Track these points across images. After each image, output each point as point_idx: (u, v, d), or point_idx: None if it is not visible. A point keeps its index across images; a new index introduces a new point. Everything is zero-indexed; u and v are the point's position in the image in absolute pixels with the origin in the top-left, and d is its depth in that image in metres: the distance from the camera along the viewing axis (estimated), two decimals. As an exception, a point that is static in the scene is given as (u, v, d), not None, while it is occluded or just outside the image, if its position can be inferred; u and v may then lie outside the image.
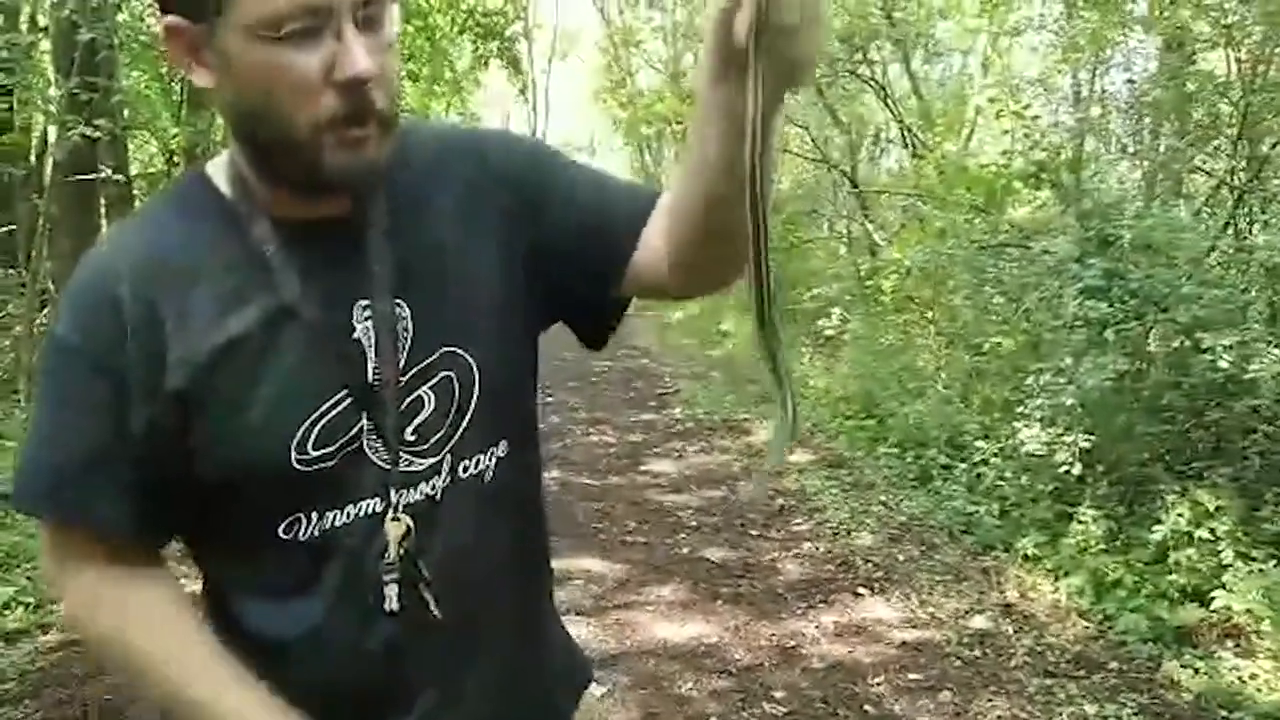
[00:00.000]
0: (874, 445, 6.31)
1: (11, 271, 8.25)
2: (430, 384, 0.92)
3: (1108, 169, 7.24)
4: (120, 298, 0.85)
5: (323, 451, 0.87)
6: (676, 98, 15.38)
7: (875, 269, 8.87)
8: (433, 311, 0.92)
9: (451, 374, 0.92)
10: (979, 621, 3.69)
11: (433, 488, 0.92)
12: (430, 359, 0.91)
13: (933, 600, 3.91)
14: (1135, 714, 2.96)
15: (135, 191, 11.37)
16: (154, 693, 0.90)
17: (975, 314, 6.41)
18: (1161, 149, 7.23)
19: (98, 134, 5.71)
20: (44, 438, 0.90)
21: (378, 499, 0.90)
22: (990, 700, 3.09)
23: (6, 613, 3.75)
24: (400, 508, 0.90)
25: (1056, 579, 3.93)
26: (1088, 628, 3.58)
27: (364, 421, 0.88)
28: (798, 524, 4.92)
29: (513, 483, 0.99)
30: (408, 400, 0.90)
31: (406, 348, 0.91)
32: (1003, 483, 4.60)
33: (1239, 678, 3.13)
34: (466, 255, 0.95)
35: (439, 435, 0.92)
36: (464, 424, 0.93)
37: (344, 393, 0.88)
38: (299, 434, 0.86)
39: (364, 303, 0.89)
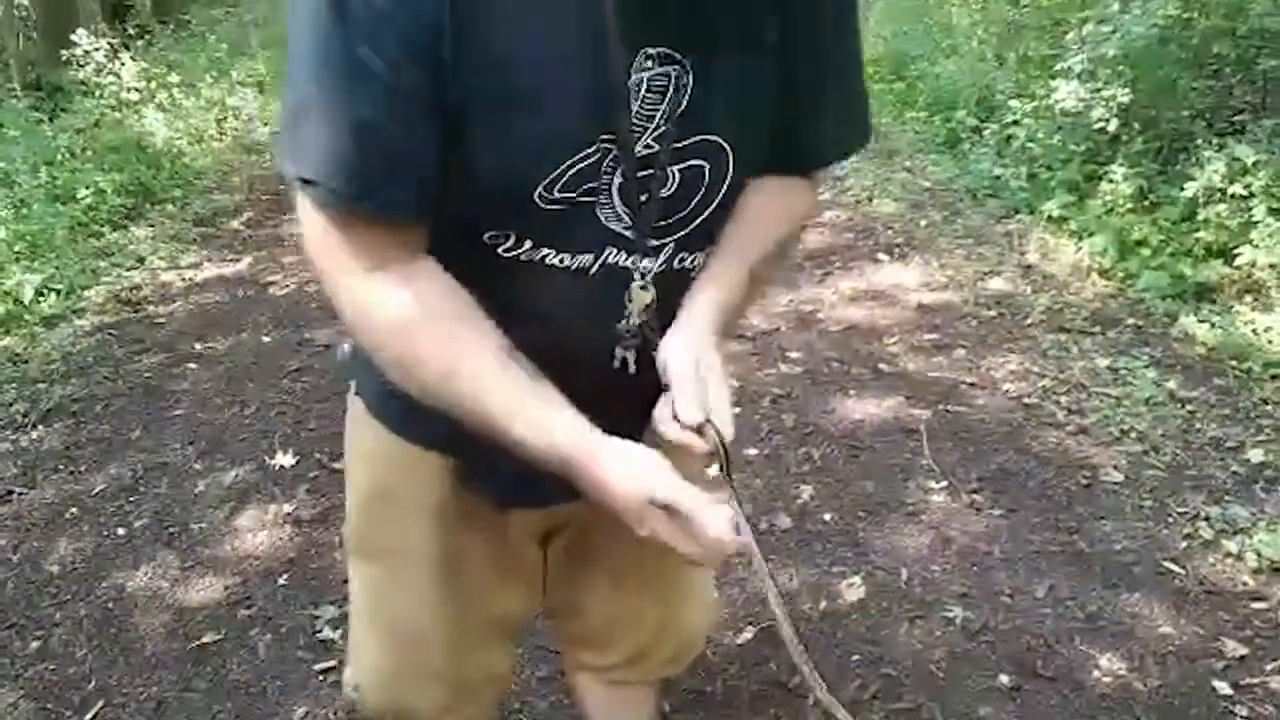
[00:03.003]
0: (902, 109, 6.08)
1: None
2: (681, 165, 0.84)
3: None
4: None
5: (564, 196, 0.80)
6: None
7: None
8: (717, 88, 0.81)
9: (706, 164, 0.85)
10: (997, 283, 3.70)
11: (646, 268, 0.87)
12: (693, 140, 0.83)
13: (952, 264, 3.91)
14: (1146, 366, 3.01)
15: None
16: (460, 406, 0.82)
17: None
18: None
19: None
20: (350, 122, 0.75)
21: (591, 256, 0.85)
22: (1003, 356, 3.15)
23: (40, 299, 3.84)
24: (643, 275, 0.86)
25: (1080, 240, 3.88)
26: (1107, 286, 3.58)
27: (606, 179, 0.81)
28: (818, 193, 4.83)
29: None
30: (653, 170, 0.83)
31: (674, 116, 0.81)
32: (1033, 144, 4.44)
33: (1253, 330, 3.15)
34: (763, 49, 0.84)
35: (672, 220, 0.86)
36: (700, 218, 0.87)
37: (600, 143, 0.79)
38: (551, 175, 0.79)
39: (651, 51, 0.78)
